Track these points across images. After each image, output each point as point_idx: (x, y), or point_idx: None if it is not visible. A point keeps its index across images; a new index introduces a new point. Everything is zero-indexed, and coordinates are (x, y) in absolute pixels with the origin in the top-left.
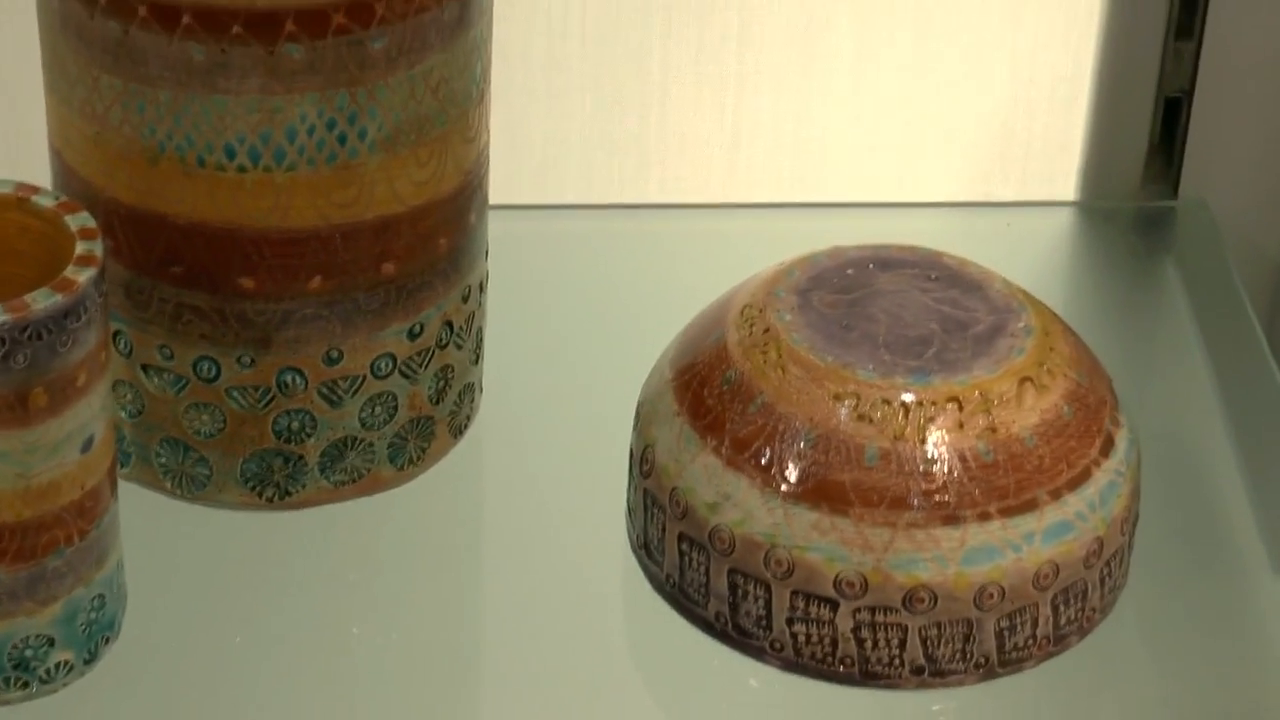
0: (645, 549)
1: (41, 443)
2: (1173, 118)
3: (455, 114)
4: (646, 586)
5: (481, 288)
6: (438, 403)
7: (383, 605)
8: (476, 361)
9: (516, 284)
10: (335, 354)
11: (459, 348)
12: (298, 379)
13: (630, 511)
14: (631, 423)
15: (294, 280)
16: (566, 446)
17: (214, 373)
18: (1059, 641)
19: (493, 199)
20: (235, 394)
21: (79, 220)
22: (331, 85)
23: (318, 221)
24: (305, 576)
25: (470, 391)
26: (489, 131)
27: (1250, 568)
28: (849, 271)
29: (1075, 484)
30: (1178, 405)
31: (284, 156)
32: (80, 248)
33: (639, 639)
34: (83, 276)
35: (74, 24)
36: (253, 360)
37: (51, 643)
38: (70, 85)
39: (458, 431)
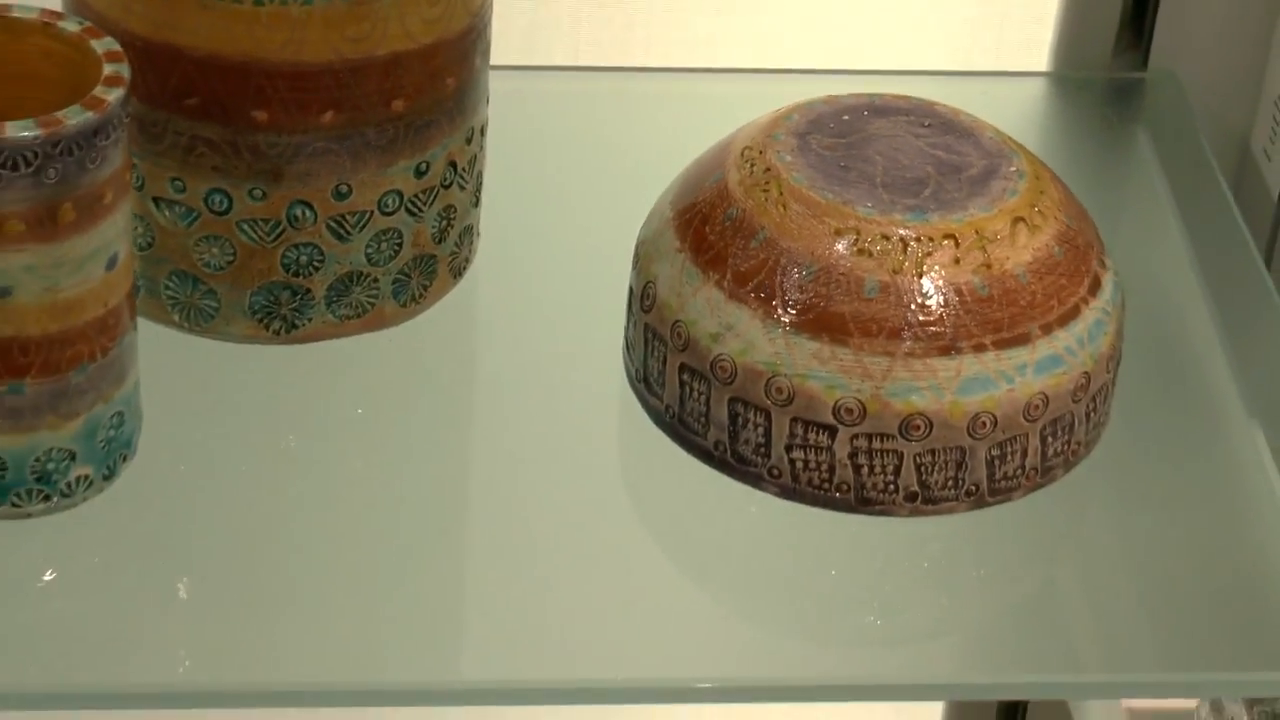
0: (644, 382)
1: (69, 258)
2: None
3: None
4: (644, 419)
5: (483, 131)
6: (440, 241)
7: (384, 436)
8: (476, 204)
9: (507, 141)
10: (344, 188)
11: (461, 188)
12: (307, 212)
13: (629, 346)
14: (625, 265)
15: (306, 114)
16: (561, 288)
17: (225, 205)
18: (1046, 473)
19: None
20: (245, 227)
21: (104, 44)
22: None
23: (331, 56)
24: (310, 408)
25: (470, 234)
26: None
27: (1222, 408)
28: (845, 117)
29: (1065, 320)
30: (1151, 265)
31: None
32: (108, 69)
33: (637, 469)
34: (111, 96)
35: None
36: (264, 193)
37: (73, 457)
38: None
39: (458, 272)
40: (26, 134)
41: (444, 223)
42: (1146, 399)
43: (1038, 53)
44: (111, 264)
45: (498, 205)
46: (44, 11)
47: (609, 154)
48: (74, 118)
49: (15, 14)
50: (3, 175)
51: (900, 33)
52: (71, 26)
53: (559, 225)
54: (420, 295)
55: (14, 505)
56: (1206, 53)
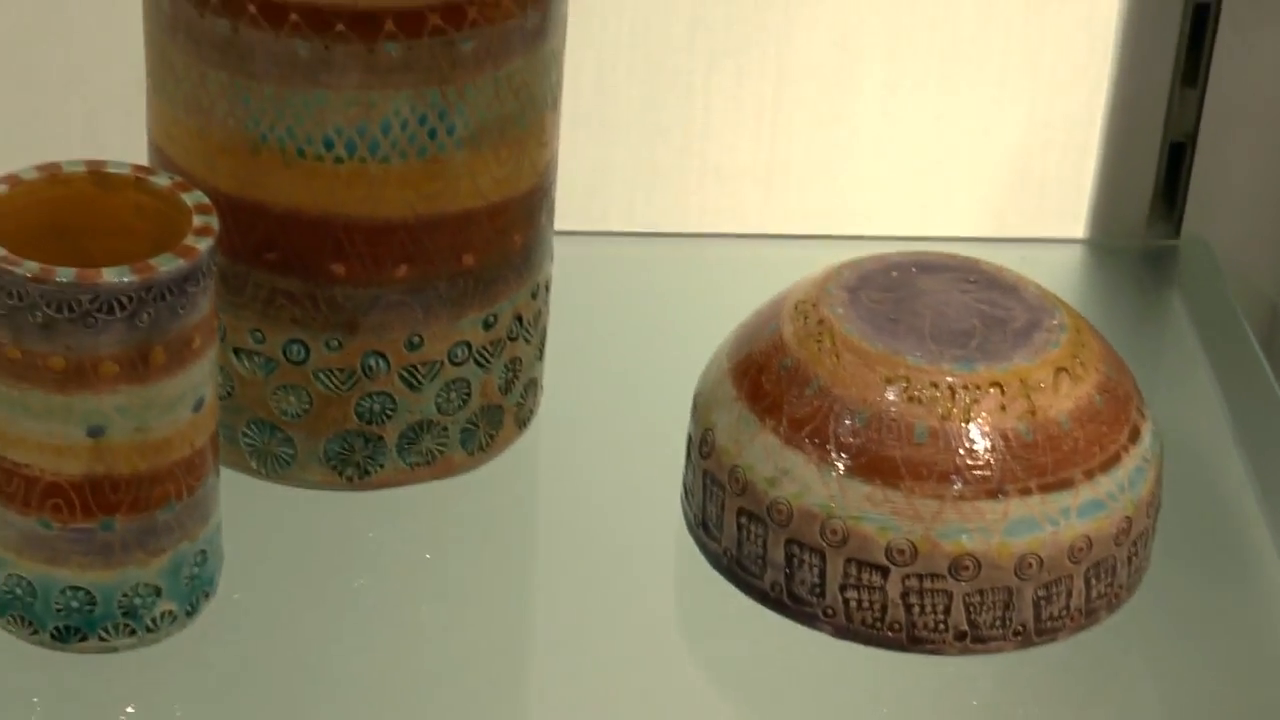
0: (703, 527)
1: (159, 399)
2: (1177, 161)
3: (533, 117)
4: (701, 563)
5: (547, 287)
6: (506, 393)
7: (450, 580)
8: (540, 358)
9: (568, 300)
10: (416, 339)
11: (527, 342)
12: (381, 363)
13: (687, 493)
14: (680, 417)
15: (381, 267)
16: (621, 438)
17: (303, 355)
18: (1090, 615)
19: None
20: (322, 376)
21: (194, 197)
22: (425, 83)
23: (406, 212)
24: (380, 552)
25: (534, 386)
26: (558, 140)
27: (1259, 561)
28: (893, 274)
29: (1107, 466)
30: (1187, 422)
31: (378, 149)
32: (197, 220)
33: (696, 611)
34: (202, 245)
35: (184, 24)
36: (340, 344)
37: (158, 593)
38: (176, 82)
39: (522, 423)
40: (122, 280)
41: (510, 374)
42: (1185, 546)
43: (1074, 220)
44: (198, 406)
45: (560, 360)
46: (136, 167)
47: (662, 314)
48: (166, 265)
49: (109, 169)
50: (99, 319)
51: (941, 200)
52: (162, 181)
53: (618, 379)
54: (487, 444)
55: (101, 639)
56: (1237, 221)
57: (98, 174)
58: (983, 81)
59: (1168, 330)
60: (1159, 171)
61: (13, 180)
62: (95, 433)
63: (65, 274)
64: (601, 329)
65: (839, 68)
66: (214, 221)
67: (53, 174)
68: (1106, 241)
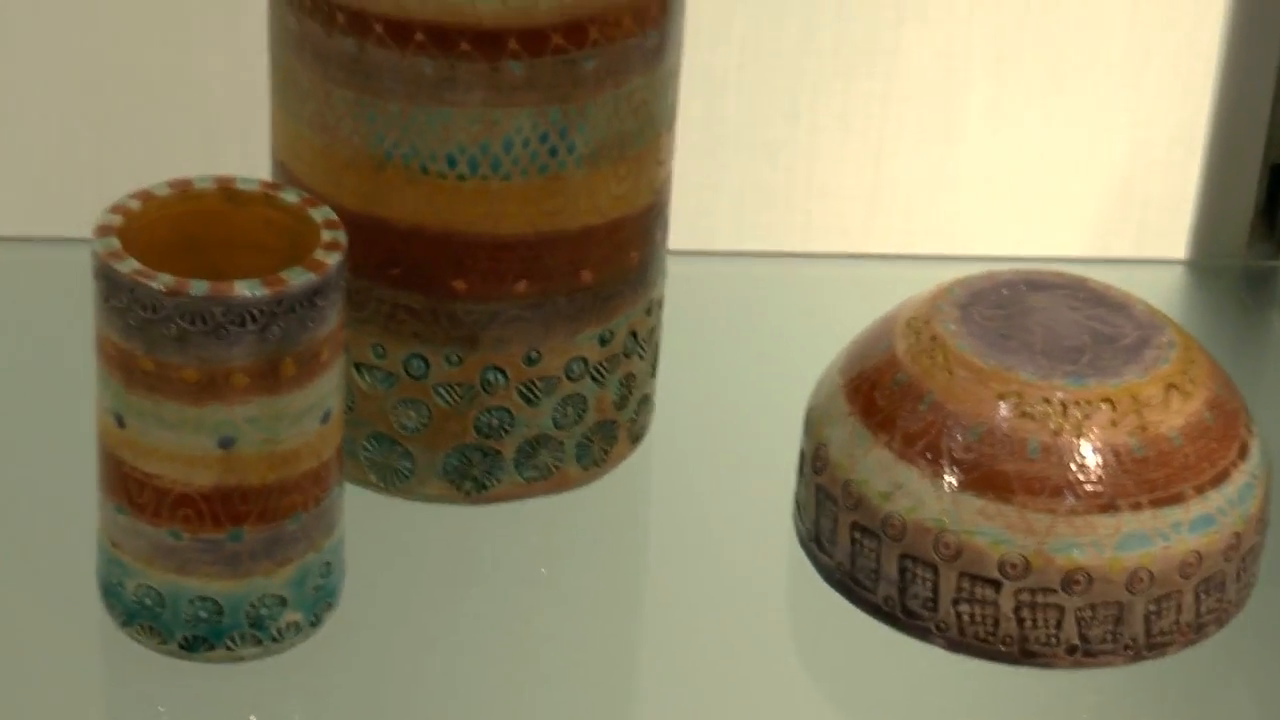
0: (816, 541)
1: (288, 411)
2: (1278, 183)
3: (650, 136)
4: (813, 577)
5: (660, 305)
6: (621, 408)
7: (565, 593)
8: (653, 374)
9: (679, 319)
10: (534, 355)
11: (641, 358)
12: (500, 377)
13: (799, 508)
14: (789, 433)
15: (501, 283)
16: (732, 455)
17: (423, 370)
18: (1199, 630)
19: None
20: (442, 391)
21: (322, 213)
22: (546, 101)
23: (526, 229)
24: (496, 566)
25: (648, 402)
26: (674, 159)
27: None
28: (1003, 291)
29: (1217, 482)
30: None
31: (500, 166)
32: (326, 235)
33: (809, 625)
34: (331, 259)
35: (310, 43)
36: (460, 359)
37: (284, 603)
38: (301, 100)
39: (636, 438)
40: (254, 293)
41: (625, 390)
42: None
43: (1175, 241)
44: (325, 418)
45: (672, 377)
46: (264, 183)
47: (771, 331)
48: (296, 278)
49: (239, 185)
50: (231, 331)
51: (1043, 220)
52: (291, 197)
53: (729, 395)
54: (601, 459)
55: (228, 649)
56: None
57: (228, 190)
58: (1085, 103)
59: (1269, 351)
60: (1260, 192)
61: (145, 196)
62: (226, 444)
63: (199, 287)
64: (712, 346)
65: (944, 89)
66: (342, 236)
67: (184, 190)
68: (1207, 262)
